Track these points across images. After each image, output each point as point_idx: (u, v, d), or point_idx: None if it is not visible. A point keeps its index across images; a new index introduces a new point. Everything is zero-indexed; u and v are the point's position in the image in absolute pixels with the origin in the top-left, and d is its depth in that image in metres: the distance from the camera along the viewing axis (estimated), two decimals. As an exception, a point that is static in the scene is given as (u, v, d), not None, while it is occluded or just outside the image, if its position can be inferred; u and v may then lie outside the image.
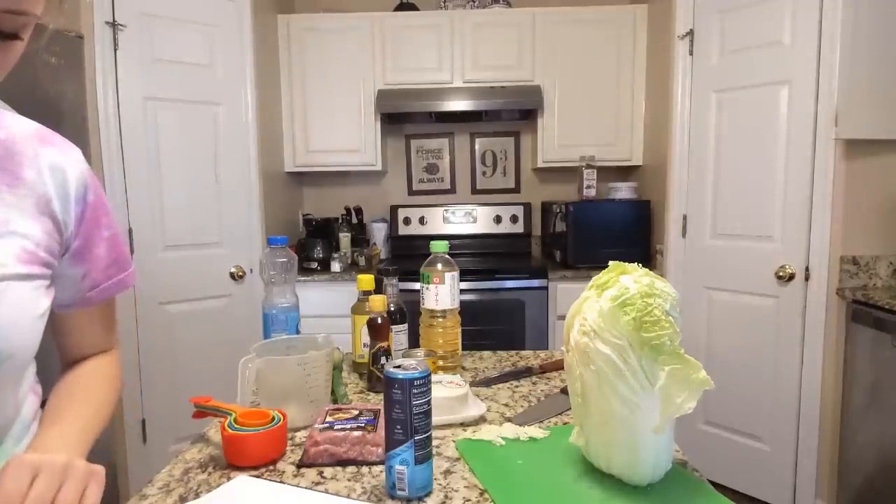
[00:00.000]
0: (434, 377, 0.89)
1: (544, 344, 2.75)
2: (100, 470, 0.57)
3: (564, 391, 1.10)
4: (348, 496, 0.75)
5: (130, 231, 2.31)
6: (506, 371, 1.26)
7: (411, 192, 3.45)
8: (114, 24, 2.22)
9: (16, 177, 0.63)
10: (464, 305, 1.30)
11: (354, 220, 3.22)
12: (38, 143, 0.67)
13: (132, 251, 2.31)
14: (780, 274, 2.27)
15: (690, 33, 2.52)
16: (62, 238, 0.67)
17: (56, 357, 0.78)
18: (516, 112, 3.13)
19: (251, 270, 2.61)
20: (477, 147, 3.42)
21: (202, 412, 0.92)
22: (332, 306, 2.63)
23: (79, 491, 0.53)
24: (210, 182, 2.52)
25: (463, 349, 1.32)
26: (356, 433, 0.84)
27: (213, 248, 2.55)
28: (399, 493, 0.73)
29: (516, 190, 3.44)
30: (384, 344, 1.14)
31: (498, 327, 2.73)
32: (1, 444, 0.65)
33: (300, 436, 0.93)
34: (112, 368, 0.80)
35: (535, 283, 2.76)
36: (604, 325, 0.73)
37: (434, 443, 0.79)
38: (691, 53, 2.52)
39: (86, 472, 0.55)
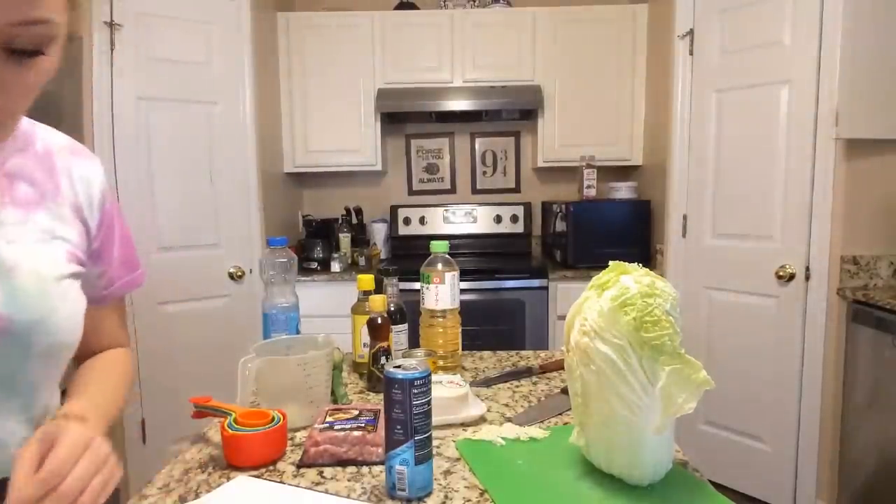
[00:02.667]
0: (434, 377, 0.89)
1: (544, 344, 2.75)
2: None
3: (565, 391, 1.10)
4: (348, 496, 0.75)
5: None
6: (506, 371, 1.26)
7: (411, 192, 3.45)
8: (111, 24, 2.22)
9: (56, 187, 0.69)
10: (464, 305, 1.30)
11: (354, 221, 3.22)
12: (70, 155, 0.73)
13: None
14: (781, 274, 2.27)
15: (690, 33, 2.51)
16: (89, 241, 0.73)
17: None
18: (516, 112, 3.13)
19: (250, 271, 2.61)
20: (477, 147, 3.42)
21: (202, 412, 0.92)
22: (332, 306, 2.62)
23: (107, 483, 0.57)
24: (206, 183, 2.51)
25: (463, 349, 1.32)
26: (356, 433, 0.84)
27: (210, 248, 2.54)
28: (399, 493, 0.73)
29: (516, 190, 3.44)
30: (384, 344, 1.14)
31: (498, 327, 2.73)
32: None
33: (300, 436, 0.93)
34: (126, 361, 0.85)
35: (536, 283, 2.76)
36: (604, 325, 0.73)
37: (434, 443, 0.79)
38: (691, 53, 2.52)
39: (115, 465, 0.60)
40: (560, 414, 1.02)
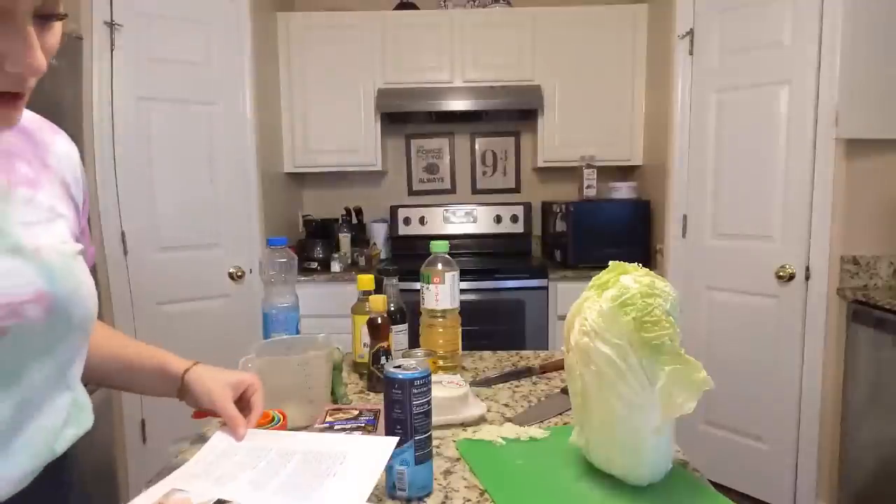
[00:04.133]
0: (434, 377, 0.89)
1: (544, 344, 2.75)
2: None
3: (565, 391, 1.10)
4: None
5: (123, 234, 2.31)
6: (506, 371, 1.26)
7: (411, 192, 3.45)
8: (111, 24, 2.22)
9: (45, 164, 0.68)
10: (464, 305, 1.30)
11: (354, 221, 3.22)
12: (50, 132, 0.72)
13: (125, 252, 2.32)
14: (781, 274, 2.27)
15: (690, 33, 2.51)
16: (78, 219, 0.73)
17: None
18: (516, 112, 3.13)
19: (250, 271, 2.61)
20: (477, 147, 3.42)
21: (202, 412, 0.92)
22: (332, 306, 2.62)
23: None
24: (206, 183, 2.51)
25: (463, 349, 1.32)
26: (356, 433, 0.84)
27: (210, 248, 2.54)
28: (399, 493, 0.73)
29: (516, 190, 3.44)
30: (384, 344, 1.14)
31: (498, 327, 2.72)
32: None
33: (300, 436, 0.93)
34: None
35: (536, 282, 2.76)
36: (604, 325, 0.73)
37: (434, 443, 0.79)
38: (691, 53, 2.52)
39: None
40: (560, 414, 1.02)
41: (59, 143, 0.72)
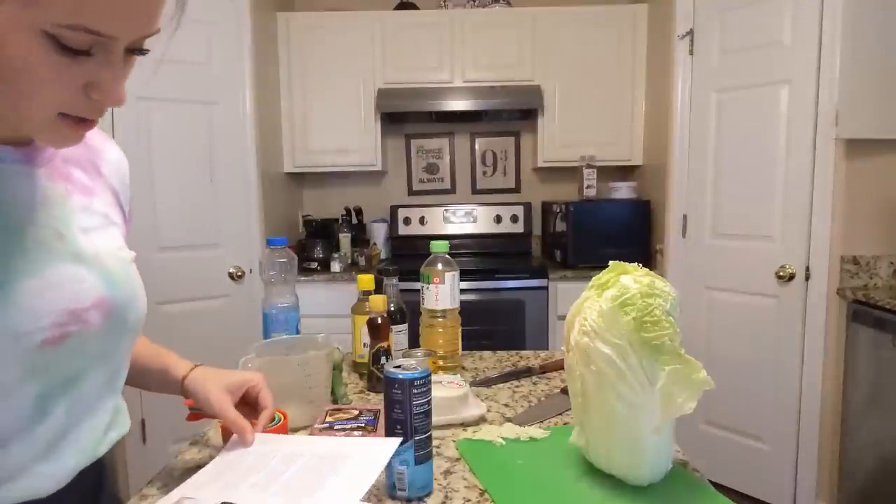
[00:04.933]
0: (434, 377, 0.89)
1: (544, 344, 2.75)
2: None
3: (565, 391, 1.10)
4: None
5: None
6: (506, 371, 1.26)
7: (411, 192, 3.45)
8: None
9: (99, 172, 0.71)
10: (464, 305, 1.30)
11: (354, 221, 3.22)
12: (101, 139, 0.74)
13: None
14: (781, 274, 2.27)
15: (690, 33, 2.51)
16: (126, 227, 0.75)
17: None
18: (516, 112, 3.13)
19: (250, 271, 2.61)
20: (477, 147, 3.42)
21: (197, 414, 0.91)
22: (332, 306, 2.62)
23: None
24: (206, 183, 2.51)
25: (463, 349, 1.32)
26: (356, 433, 0.84)
27: (210, 248, 2.54)
28: (399, 493, 0.73)
29: (516, 190, 3.43)
30: (384, 344, 1.14)
31: (498, 327, 2.72)
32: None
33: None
34: None
35: (536, 282, 2.76)
36: (604, 325, 0.73)
37: (434, 443, 0.79)
38: (691, 53, 2.52)
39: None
40: (560, 414, 1.02)
41: (112, 152, 0.74)
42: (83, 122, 0.54)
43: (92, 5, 0.47)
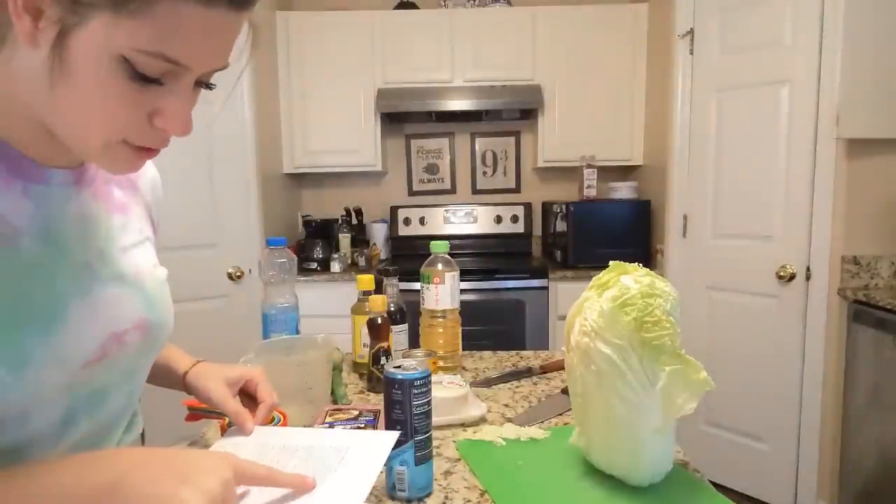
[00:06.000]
0: (434, 377, 0.88)
1: (545, 344, 2.75)
2: None
3: (565, 391, 1.10)
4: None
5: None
6: (506, 371, 1.26)
7: (411, 193, 3.44)
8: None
9: (135, 188, 0.72)
10: (464, 305, 1.30)
11: (354, 221, 3.22)
12: None
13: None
14: (781, 274, 2.27)
15: (691, 32, 2.51)
16: (156, 240, 0.77)
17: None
18: (517, 111, 3.13)
19: (250, 271, 2.61)
20: (477, 147, 3.42)
21: (196, 414, 0.91)
22: (332, 306, 2.62)
23: None
24: (205, 183, 2.51)
25: (463, 349, 1.32)
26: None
27: (209, 249, 2.53)
28: (399, 493, 0.73)
29: (517, 190, 3.43)
30: (384, 344, 1.14)
31: (498, 327, 2.72)
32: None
33: (300, 436, 0.93)
34: None
35: (536, 283, 2.75)
36: (604, 325, 0.73)
37: (434, 443, 0.79)
38: (692, 52, 2.52)
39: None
40: (560, 414, 1.02)
41: (148, 166, 0.74)
42: (145, 151, 0.54)
43: (177, 34, 0.47)
